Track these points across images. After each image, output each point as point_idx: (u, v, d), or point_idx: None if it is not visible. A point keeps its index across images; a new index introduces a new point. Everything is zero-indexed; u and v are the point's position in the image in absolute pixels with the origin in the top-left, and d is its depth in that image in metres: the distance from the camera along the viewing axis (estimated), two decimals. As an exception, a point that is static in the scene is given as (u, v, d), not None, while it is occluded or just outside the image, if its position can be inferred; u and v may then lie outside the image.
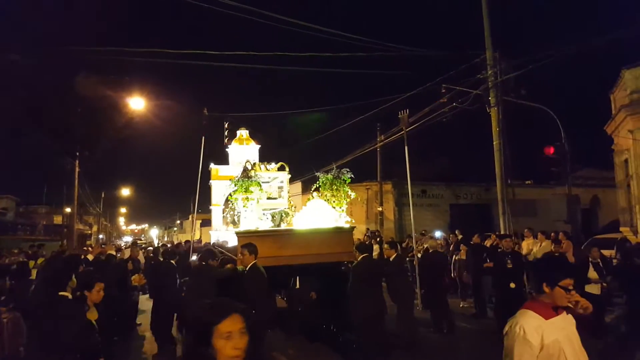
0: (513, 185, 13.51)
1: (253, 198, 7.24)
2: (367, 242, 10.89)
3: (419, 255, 10.93)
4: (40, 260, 12.66)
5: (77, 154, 29.82)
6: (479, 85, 13.39)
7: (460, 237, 12.98)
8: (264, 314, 5.58)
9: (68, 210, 37.71)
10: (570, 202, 13.44)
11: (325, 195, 7.76)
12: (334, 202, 7.66)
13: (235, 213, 7.88)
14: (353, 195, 7.94)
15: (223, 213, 12.27)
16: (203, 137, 15.16)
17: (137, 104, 19.38)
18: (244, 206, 7.21)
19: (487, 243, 11.96)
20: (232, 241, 8.93)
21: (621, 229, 15.41)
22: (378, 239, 15.92)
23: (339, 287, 7.09)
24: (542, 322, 2.47)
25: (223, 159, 13.35)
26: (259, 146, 12.84)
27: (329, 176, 7.77)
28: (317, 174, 8.00)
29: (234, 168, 11.82)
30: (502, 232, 12.03)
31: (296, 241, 7.10)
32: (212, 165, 12.75)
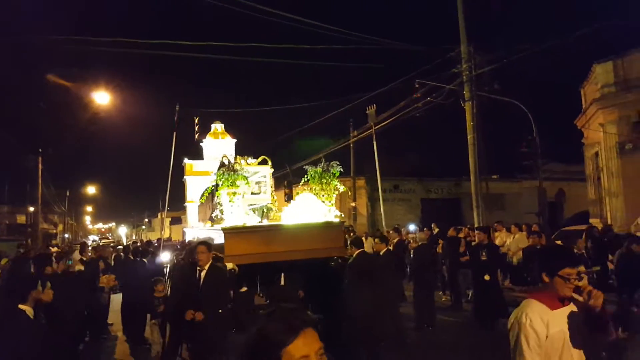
0: (482, 180, 13.72)
1: (239, 192, 6.94)
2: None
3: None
4: (4, 261, 12.09)
5: (40, 150, 28.74)
6: (453, 80, 13.49)
7: (437, 230, 13.05)
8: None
9: (32, 209, 36.41)
10: (542, 195, 13.70)
11: (314, 189, 7.56)
12: (323, 196, 7.44)
13: (220, 208, 7.52)
14: (342, 188, 7.72)
15: (212, 210, 11.84)
16: (175, 134, 14.75)
17: (102, 98, 18.69)
18: (229, 201, 6.89)
19: (460, 236, 12.09)
20: (215, 238, 8.66)
21: (591, 220, 15.83)
22: (352, 234, 15.87)
23: (329, 284, 6.91)
24: (548, 311, 2.42)
25: (195, 154, 13.01)
26: (235, 140, 12.49)
27: (318, 169, 7.53)
28: (306, 167, 7.74)
29: (209, 163, 11.48)
30: (475, 226, 12.16)
31: (285, 237, 6.90)
32: (185, 160, 12.33)
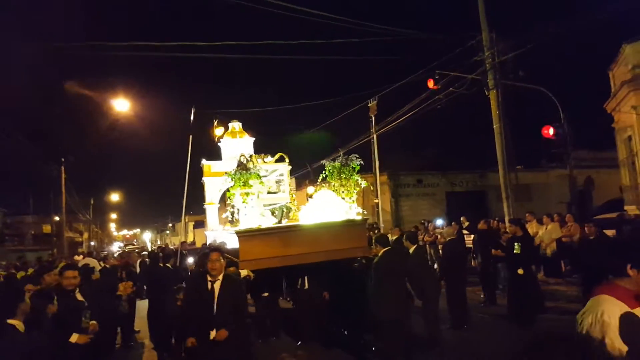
0: (510, 170, 13.23)
1: (253, 192, 6.54)
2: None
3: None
4: (30, 271, 12.17)
5: (63, 160, 29.14)
6: (474, 69, 13.07)
7: (467, 223, 12.60)
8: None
9: (57, 218, 36.97)
10: (573, 184, 13.17)
11: (333, 186, 7.13)
12: (343, 192, 7.01)
13: (234, 210, 7.15)
14: (364, 183, 7.30)
15: (223, 212, 11.69)
16: (190, 137, 14.64)
17: (121, 105, 18.81)
18: (243, 202, 6.50)
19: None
20: (231, 242, 8.38)
21: (626, 207, 15.19)
22: (376, 231, 15.54)
23: (353, 286, 6.58)
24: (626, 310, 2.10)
25: (215, 156, 12.83)
26: (254, 139, 12.21)
27: (337, 164, 7.12)
28: (323, 162, 7.37)
29: (227, 163, 11.25)
30: (505, 218, 11.75)
31: (304, 238, 6.45)
32: (203, 162, 12.11)
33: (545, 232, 10.94)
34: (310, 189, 18.18)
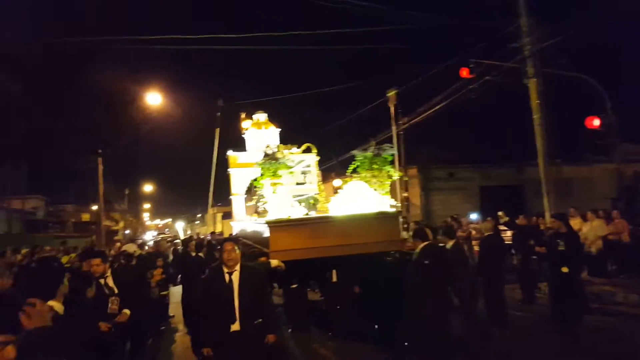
0: (537, 165, 12.53)
1: (282, 183, 6.43)
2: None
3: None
4: (73, 255, 12.50)
5: (100, 151, 29.91)
6: (511, 57, 12.42)
7: (505, 219, 12.00)
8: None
9: (95, 207, 38.16)
10: (620, 179, 12.38)
11: (365, 177, 6.84)
12: (374, 183, 6.72)
13: (263, 200, 7.03)
14: (397, 174, 7.08)
15: (246, 202, 11.56)
16: (217, 130, 14.71)
17: (154, 98, 19.11)
18: (272, 192, 6.40)
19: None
20: (257, 233, 8.29)
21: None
22: (405, 226, 15.09)
23: (386, 281, 6.28)
24: None
25: (242, 147, 12.73)
26: (279, 130, 11.99)
27: (368, 154, 6.84)
28: (354, 152, 7.08)
29: (252, 154, 11.12)
30: (546, 213, 11.13)
31: (335, 230, 6.28)
32: (229, 152, 12.01)
33: (590, 229, 10.31)
34: (336, 182, 17.90)
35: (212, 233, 15.88)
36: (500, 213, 12.52)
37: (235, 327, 4.29)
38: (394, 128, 18.01)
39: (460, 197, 22.52)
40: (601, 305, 8.59)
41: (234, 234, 13.21)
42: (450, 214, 16.82)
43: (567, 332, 7.13)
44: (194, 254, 9.23)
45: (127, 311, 5.14)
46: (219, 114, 12.72)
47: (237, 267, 4.47)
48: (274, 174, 6.34)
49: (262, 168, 6.49)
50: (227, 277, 4.43)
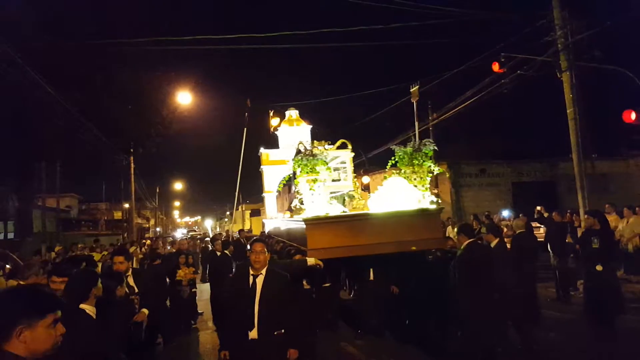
0: (570, 161, 12.23)
1: (320, 179, 6.26)
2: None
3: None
4: (105, 253, 12.86)
5: (132, 150, 30.63)
6: (544, 50, 12.19)
7: (546, 214, 11.66)
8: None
9: (127, 205, 39.13)
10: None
11: (405, 172, 6.68)
12: (415, 179, 6.55)
13: (299, 198, 6.92)
14: (438, 170, 6.81)
15: (290, 200, 11.57)
16: (245, 130, 14.82)
17: (185, 98, 19.46)
18: (310, 189, 6.24)
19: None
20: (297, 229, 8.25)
21: None
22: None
23: (427, 280, 6.18)
24: None
25: (272, 144, 12.86)
26: (311, 126, 12.03)
27: (408, 149, 6.63)
28: (393, 147, 6.91)
29: (285, 152, 11.19)
30: (580, 210, 10.91)
31: (374, 227, 6.11)
32: (261, 150, 12.12)
33: (627, 226, 10.06)
34: (365, 179, 17.88)
35: (241, 231, 16.00)
36: (539, 208, 12.20)
37: (253, 334, 4.01)
38: (417, 124, 17.87)
39: (492, 193, 22.21)
40: (638, 304, 8.39)
41: (265, 231, 13.32)
42: (482, 211, 16.67)
43: (602, 333, 6.99)
44: (219, 253, 9.28)
45: (145, 310, 5.15)
46: (246, 114, 12.85)
47: (263, 271, 4.19)
48: (312, 170, 6.20)
49: (299, 164, 6.35)
50: (251, 279, 4.16)
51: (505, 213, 16.56)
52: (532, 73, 12.40)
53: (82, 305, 3.43)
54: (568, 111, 11.47)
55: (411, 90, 18.15)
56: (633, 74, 12.68)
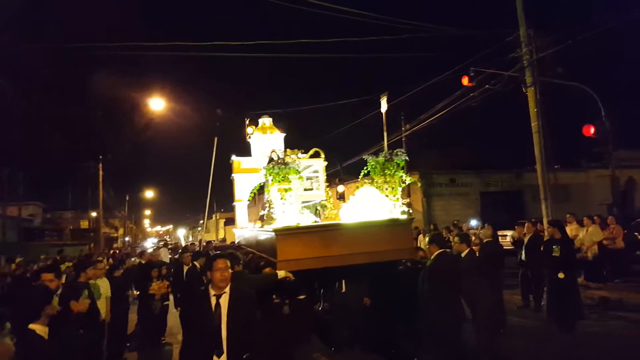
0: (535, 171, 12.75)
1: (292, 188, 6.11)
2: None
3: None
4: (68, 264, 12.50)
5: (100, 157, 29.98)
6: (510, 66, 12.74)
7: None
8: None
9: (94, 214, 38.11)
10: (615, 185, 12.66)
11: (377, 182, 6.63)
12: (386, 189, 6.50)
13: (271, 207, 6.66)
14: (409, 180, 6.75)
15: (253, 209, 11.48)
16: (216, 139, 14.68)
17: (157, 104, 19.20)
18: (281, 198, 6.08)
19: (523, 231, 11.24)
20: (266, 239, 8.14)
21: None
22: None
23: (398, 291, 6.17)
24: None
25: (245, 152, 12.77)
26: (284, 134, 11.97)
27: (380, 159, 6.60)
28: (365, 157, 6.95)
29: (257, 160, 11.08)
30: (544, 219, 11.37)
31: (346, 238, 6.00)
32: (233, 157, 11.94)
33: (586, 235, 10.54)
34: (340, 188, 18.05)
35: (209, 242, 14.84)
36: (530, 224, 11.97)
37: None
38: (385, 135, 18.16)
39: (461, 202, 22.82)
40: (597, 310, 8.81)
41: (236, 242, 13.06)
42: (452, 220, 17.10)
43: (565, 338, 7.29)
44: (187, 267, 8.82)
45: (86, 300, 4.92)
46: (218, 123, 12.82)
47: (227, 289, 3.76)
48: (284, 179, 6.05)
49: (270, 173, 6.18)
50: (213, 301, 3.70)
51: (473, 222, 17.04)
52: (500, 87, 12.91)
53: (31, 326, 3.25)
54: (532, 124, 11.98)
55: (380, 100, 18.41)
56: (593, 90, 13.39)
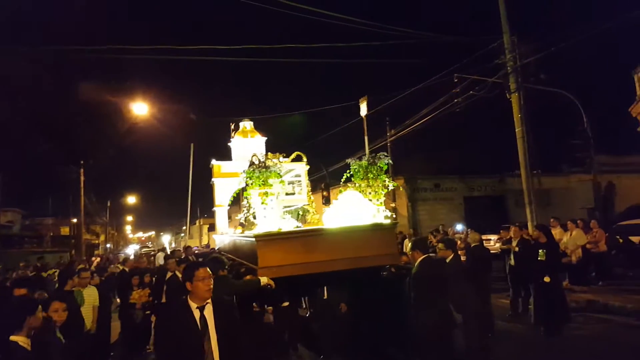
0: (517, 176, 12.91)
1: (273, 192, 5.93)
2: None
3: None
4: (51, 272, 12.23)
5: (82, 162, 29.47)
6: (494, 72, 12.90)
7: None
8: None
9: (75, 220, 37.40)
10: (597, 189, 12.87)
11: (360, 186, 6.48)
12: (370, 194, 6.37)
13: (251, 212, 6.58)
14: (392, 185, 6.59)
15: (234, 214, 11.30)
16: (192, 145, 14.48)
17: (140, 109, 18.95)
18: (262, 203, 5.88)
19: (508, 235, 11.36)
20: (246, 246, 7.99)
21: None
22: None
23: (381, 297, 6.11)
24: None
25: (227, 157, 12.59)
26: (265, 138, 11.83)
27: (363, 162, 6.47)
28: (348, 161, 6.62)
29: (238, 164, 10.89)
30: (528, 224, 11.49)
31: (329, 243, 5.81)
32: (213, 162, 11.75)
33: (570, 239, 10.68)
34: (326, 193, 18.05)
35: (187, 247, 14.07)
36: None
37: None
38: (366, 139, 18.23)
39: (445, 207, 23.00)
40: (582, 313, 8.89)
41: (216, 248, 12.86)
42: (437, 224, 17.17)
43: (552, 342, 7.32)
44: (170, 273, 8.47)
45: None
46: (193, 128, 12.60)
47: (210, 299, 3.42)
48: (264, 183, 5.86)
49: (251, 176, 5.99)
50: (197, 314, 3.32)
51: (459, 227, 17.14)
52: (484, 93, 13.05)
53: (13, 337, 3.14)
54: (517, 130, 12.13)
55: (360, 104, 18.40)
56: (574, 97, 13.62)
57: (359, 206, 6.27)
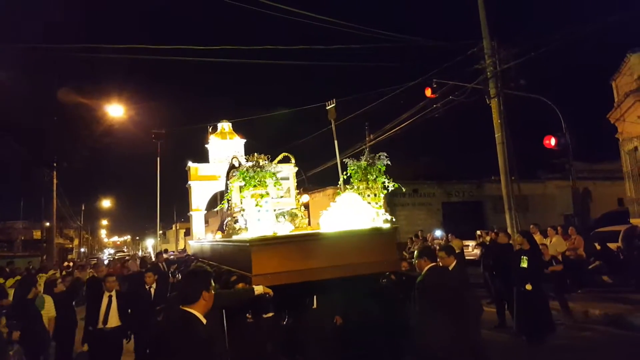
0: (495, 182, 12.91)
1: (268, 194, 5.53)
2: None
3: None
4: (17, 278, 11.69)
5: (55, 164, 28.58)
6: (473, 77, 12.86)
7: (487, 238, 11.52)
8: None
9: (47, 224, 36.40)
10: (576, 196, 12.92)
11: (358, 188, 6.09)
12: (368, 196, 5.98)
13: (234, 215, 6.24)
14: (392, 187, 6.17)
15: (223, 218, 10.68)
16: (158, 159, 13.89)
17: (116, 110, 18.45)
18: (257, 205, 5.48)
19: (487, 239, 11.32)
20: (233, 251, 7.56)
21: (632, 220, 14.87)
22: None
23: (379, 308, 5.72)
24: None
25: (204, 159, 12.18)
26: (244, 140, 11.47)
27: (362, 163, 6.11)
28: (346, 160, 6.27)
29: (215, 166, 10.53)
30: (508, 230, 11.42)
31: (327, 249, 5.43)
32: (189, 164, 11.32)
33: (550, 246, 10.63)
34: (305, 197, 17.75)
35: (159, 253, 13.22)
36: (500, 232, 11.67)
37: None
38: (336, 143, 18.00)
39: (424, 212, 22.97)
40: (563, 322, 8.81)
41: (191, 254, 12.37)
42: (415, 230, 17.08)
43: (534, 351, 7.19)
44: (147, 286, 7.78)
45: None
46: (160, 141, 12.03)
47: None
48: (260, 183, 5.44)
49: (244, 176, 5.55)
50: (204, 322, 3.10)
51: (438, 233, 17.05)
52: (463, 99, 12.99)
53: None
54: (496, 135, 12.08)
55: (327, 108, 18.12)
56: (553, 102, 13.67)
57: (358, 209, 5.89)
